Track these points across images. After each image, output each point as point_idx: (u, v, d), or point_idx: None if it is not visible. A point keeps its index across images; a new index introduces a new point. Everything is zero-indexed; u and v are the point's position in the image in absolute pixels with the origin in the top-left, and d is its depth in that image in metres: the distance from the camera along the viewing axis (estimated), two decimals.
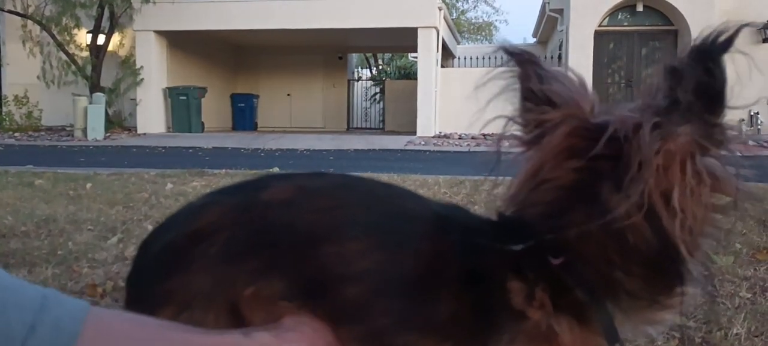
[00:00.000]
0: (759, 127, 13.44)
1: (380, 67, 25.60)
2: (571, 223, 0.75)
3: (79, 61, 15.27)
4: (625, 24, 15.15)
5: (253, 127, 18.53)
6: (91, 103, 14.16)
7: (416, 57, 16.29)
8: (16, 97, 16.34)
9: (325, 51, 19.13)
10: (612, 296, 0.76)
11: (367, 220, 0.81)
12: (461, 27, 29.44)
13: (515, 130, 0.87)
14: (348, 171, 0.96)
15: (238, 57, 19.32)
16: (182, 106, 15.51)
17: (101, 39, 15.23)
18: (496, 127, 0.90)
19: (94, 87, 14.90)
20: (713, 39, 0.71)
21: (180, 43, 15.96)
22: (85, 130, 13.99)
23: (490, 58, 15.26)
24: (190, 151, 11.55)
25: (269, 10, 14.69)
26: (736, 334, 1.97)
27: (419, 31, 14.51)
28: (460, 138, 14.07)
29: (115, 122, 15.48)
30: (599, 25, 14.78)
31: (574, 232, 0.75)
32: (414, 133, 14.55)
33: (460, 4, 32.22)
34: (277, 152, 11.64)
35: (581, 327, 0.76)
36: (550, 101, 0.82)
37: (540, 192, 0.80)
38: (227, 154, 11.08)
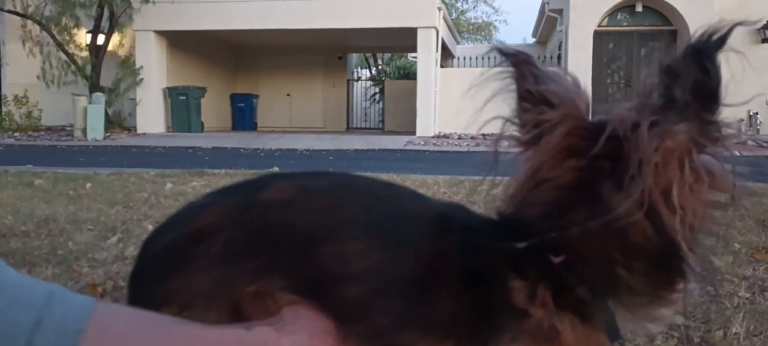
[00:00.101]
0: (758, 127, 13.45)
1: (380, 67, 25.61)
2: (572, 222, 0.76)
3: (79, 61, 15.27)
4: (625, 24, 15.16)
5: (252, 127, 18.53)
6: (90, 103, 14.16)
7: (416, 57, 16.29)
8: (15, 97, 16.34)
9: (324, 51, 19.14)
10: (613, 294, 0.77)
11: (367, 220, 0.81)
12: (461, 27, 29.45)
13: (513, 130, 0.87)
14: (348, 171, 0.96)
15: (238, 57, 19.31)
16: (182, 106, 15.51)
17: (101, 39, 15.23)
18: (494, 128, 0.90)
19: (94, 87, 14.90)
20: (708, 37, 0.72)
21: (180, 43, 15.96)
22: (84, 130, 13.99)
23: (489, 58, 15.23)
24: (190, 151, 11.56)
25: (269, 10, 14.69)
26: (735, 333, 1.97)
27: (419, 31, 14.52)
28: (459, 138, 14.07)
29: (114, 122, 15.48)
30: (599, 26, 14.78)
31: (576, 230, 0.75)
32: (413, 133, 14.55)
33: (459, 4, 32.27)
34: (277, 152, 11.64)
35: (583, 325, 0.76)
36: (547, 101, 0.83)
37: (539, 192, 0.81)
38: (227, 154, 11.08)
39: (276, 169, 6.69)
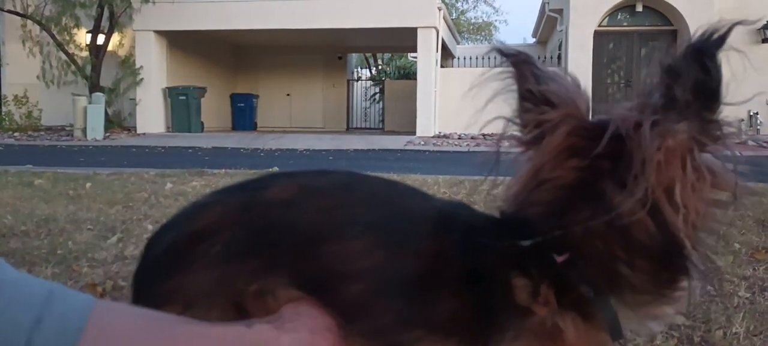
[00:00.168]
0: (758, 127, 13.45)
1: (380, 67, 25.61)
2: (575, 221, 0.76)
3: (79, 61, 15.27)
4: (625, 24, 15.16)
5: (252, 127, 18.53)
6: (90, 103, 14.16)
7: (416, 57, 16.30)
8: (15, 97, 16.34)
9: (324, 51, 19.14)
10: (616, 292, 0.77)
11: (369, 218, 0.81)
12: (461, 27, 29.45)
13: (514, 130, 0.87)
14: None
15: (237, 57, 19.32)
16: (182, 106, 15.51)
17: (101, 39, 15.24)
18: (495, 128, 0.90)
19: (94, 87, 14.90)
20: (708, 37, 0.72)
21: (180, 43, 15.97)
22: (84, 130, 13.99)
23: (489, 58, 15.23)
24: (190, 151, 11.56)
25: (269, 10, 14.69)
26: (735, 333, 1.97)
27: (419, 31, 14.52)
28: (459, 138, 14.07)
29: (114, 122, 15.48)
30: (599, 25, 14.79)
31: (579, 229, 0.75)
32: (413, 133, 14.55)
33: (459, 4, 32.27)
34: (277, 152, 11.64)
35: (586, 323, 0.76)
36: (548, 101, 0.83)
37: (541, 191, 0.81)
38: (227, 154, 11.08)
39: (276, 169, 6.69)
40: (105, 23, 15.25)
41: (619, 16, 15.15)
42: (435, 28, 14.66)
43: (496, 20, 38.68)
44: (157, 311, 0.74)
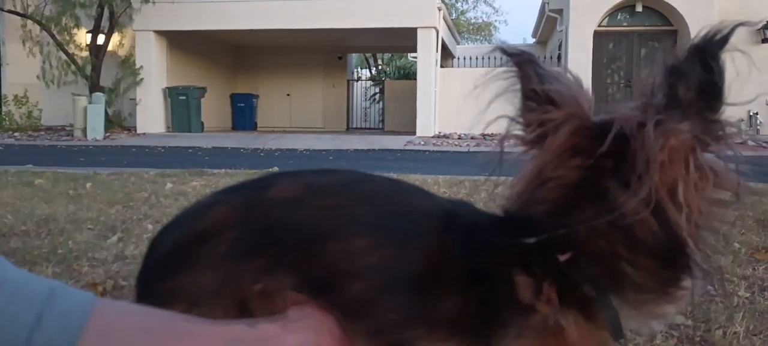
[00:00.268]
0: (758, 127, 13.46)
1: (380, 67, 25.61)
2: (578, 219, 0.77)
3: (79, 61, 15.27)
4: (625, 24, 15.16)
5: (252, 127, 18.53)
6: (90, 103, 14.16)
7: (416, 57, 16.30)
8: (15, 96, 16.34)
9: (324, 51, 19.14)
10: (619, 291, 0.78)
11: (372, 216, 0.81)
12: (461, 27, 29.45)
13: (517, 130, 0.87)
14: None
15: (237, 57, 19.32)
16: (182, 106, 15.51)
17: (101, 39, 15.24)
18: (497, 128, 0.90)
19: (94, 87, 14.90)
20: (711, 37, 0.73)
21: (180, 43, 15.97)
22: (84, 130, 13.99)
23: (489, 58, 15.28)
24: (190, 151, 11.56)
25: (269, 10, 14.70)
26: (735, 333, 1.97)
27: (419, 31, 14.52)
28: (459, 138, 14.08)
29: (114, 122, 15.48)
30: (599, 26, 14.79)
31: (583, 228, 0.76)
32: (413, 133, 14.56)
33: (459, 4, 32.27)
34: (277, 152, 11.65)
35: (587, 322, 0.77)
36: (552, 101, 0.83)
37: (545, 190, 0.81)
38: (227, 154, 11.08)
39: (276, 169, 6.69)
40: (105, 23, 15.25)
41: (618, 16, 15.15)
42: (435, 28, 14.66)
43: (496, 20, 38.76)
44: (164, 308, 0.74)
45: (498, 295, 0.78)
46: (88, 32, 15.51)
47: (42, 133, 15.20)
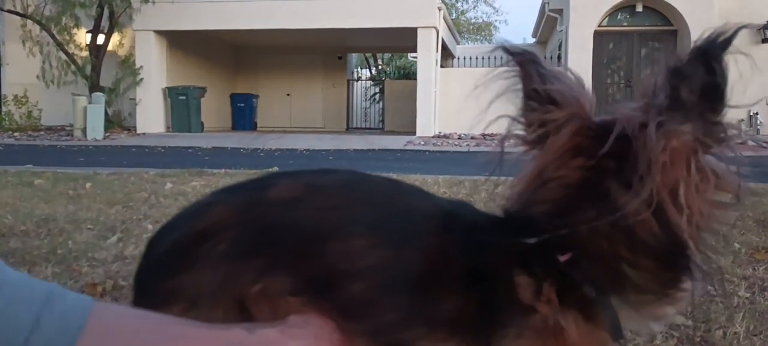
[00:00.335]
0: (758, 127, 13.46)
1: (380, 67, 25.61)
2: (580, 220, 0.77)
3: (79, 61, 15.27)
4: (625, 24, 15.16)
5: (252, 127, 18.53)
6: (90, 102, 14.16)
7: (416, 57, 16.30)
8: (15, 96, 16.34)
9: (324, 51, 19.14)
10: (619, 291, 0.78)
11: (372, 217, 0.81)
12: (461, 27, 29.46)
13: (518, 129, 0.87)
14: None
15: (237, 57, 19.32)
16: (182, 106, 15.51)
17: (101, 39, 15.23)
18: (498, 127, 0.90)
19: (94, 87, 14.90)
20: (714, 39, 0.73)
21: (180, 42, 15.96)
22: (84, 130, 13.99)
23: (489, 58, 15.28)
24: (190, 151, 11.56)
25: (270, 10, 14.69)
26: (735, 333, 1.97)
27: (419, 31, 14.52)
28: (459, 138, 14.07)
29: (114, 122, 15.48)
30: (599, 26, 14.79)
31: (585, 228, 0.76)
32: (413, 133, 14.56)
33: (459, 4, 32.27)
34: (277, 152, 11.65)
35: (587, 322, 0.77)
36: (554, 101, 0.83)
37: (546, 190, 0.81)
38: (227, 154, 11.08)
39: (276, 169, 6.69)
40: (105, 23, 15.25)
41: (619, 16, 15.15)
42: (435, 28, 14.66)
43: (496, 20, 38.62)
44: (160, 310, 0.74)
45: (498, 295, 0.78)
46: (88, 32, 15.51)
47: (42, 133, 15.20)
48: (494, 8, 41.48)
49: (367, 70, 25.39)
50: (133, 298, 0.84)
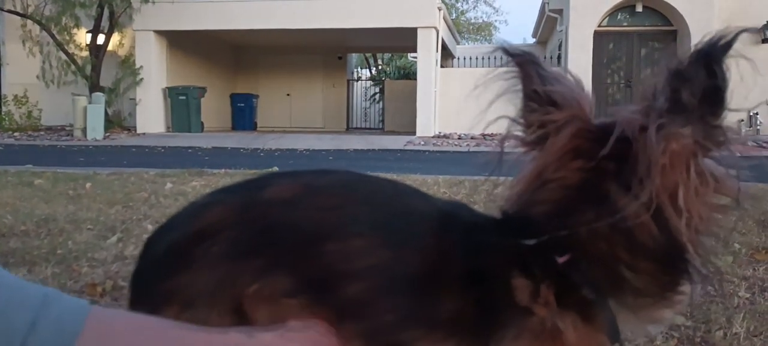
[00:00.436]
0: (758, 127, 13.45)
1: (380, 67, 25.61)
2: (579, 221, 0.77)
3: (79, 61, 15.27)
4: (625, 24, 15.16)
5: (252, 127, 18.53)
6: (90, 102, 14.16)
7: (416, 57, 16.30)
8: (15, 96, 16.34)
9: (324, 51, 19.14)
10: (617, 294, 0.78)
11: (370, 217, 0.81)
12: (461, 27, 29.45)
13: (517, 130, 0.87)
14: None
15: (237, 57, 19.31)
16: (182, 106, 15.51)
17: (101, 39, 15.23)
18: (497, 128, 0.90)
19: (94, 87, 14.89)
20: (715, 42, 0.73)
21: (180, 42, 15.96)
22: (84, 130, 13.99)
23: (489, 58, 15.27)
24: (190, 151, 11.56)
25: (270, 10, 14.69)
26: (735, 333, 1.97)
27: (419, 31, 14.52)
28: (459, 138, 14.07)
29: (114, 122, 15.48)
30: (599, 26, 14.79)
31: (584, 230, 0.76)
32: (413, 133, 14.55)
33: (459, 4, 32.26)
34: (277, 152, 11.64)
35: (585, 324, 0.77)
36: (553, 102, 0.83)
37: (545, 191, 0.81)
38: (227, 154, 11.08)
39: (276, 169, 6.69)
40: (105, 23, 15.25)
41: (619, 16, 15.15)
42: (435, 28, 14.66)
43: (496, 20, 38.62)
44: (157, 310, 0.74)
45: (496, 296, 0.78)
46: (88, 32, 15.50)
47: (42, 133, 15.19)
48: (494, 8, 41.51)
49: (367, 70, 25.38)
50: (130, 298, 0.83)
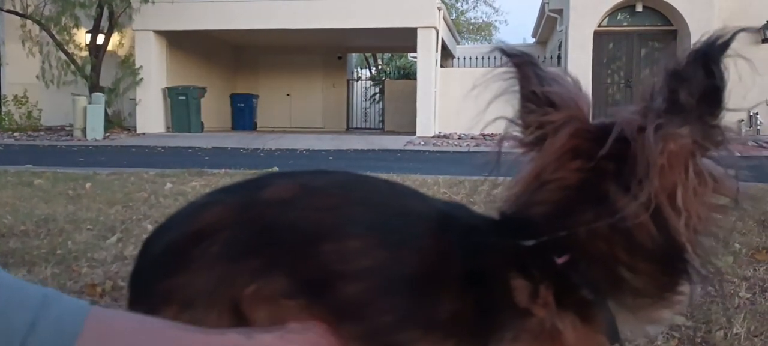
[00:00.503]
0: (758, 127, 13.46)
1: (380, 67, 25.61)
2: (578, 222, 0.76)
3: (79, 61, 15.27)
4: (625, 24, 15.16)
5: (252, 127, 18.53)
6: (90, 102, 14.16)
7: (416, 57, 16.30)
8: (15, 96, 16.34)
9: (324, 51, 19.14)
10: (616, 294, 0.78)
11: (368, 218, 0.81)
12: (461, 27, 29.45)
13: (516, 131, 0.87)
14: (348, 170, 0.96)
15: (237, 57, 19.32)
16: (182, 106, 15.51)
17: (100, 39, 15.24)
18: (497, 128, 0.90)
19: (94, 87, 14.90)
20: (713, 42, 0.72)
21: (179, 42, 15.96)
22: (84, 130, 13.99)
23: (489, 58, 15.27)
24: (190, 150, 11.56)
25: (270, 10, 14.69)
26: (736, 334, 1.97)
27: (419, 31, 14.52)
28: (459, 138, 14.07)
29: (114, 122, 15.48)
30: (599, 26, 14.79)
31: (583, 230, 0.76)
32: (413, 133, 14.56)
33: (459, 4, 32.25)
34: (277, 152, 11.64)
35: (584, 325, 0.76)
36: (551, 103, 0.83)
37: (544, 192, 0.81)
38: (227, 154, 11.08)
39: (276, 169, 6.69)
40: (105, 23, 15.25)
41: (619, 17, 15.15)
42: (435, 28, 14.66)
43: (496, 20, 38.70)
44: (155, 310, 0.74)
45: (495, 297, 0.77)
46: (87, 32, 15.50)
47: (41, 133, 15.19)
48: (494, 8, 41.53)
49: (367, 70, 25.38)
50: (129, 298, 0.83)
